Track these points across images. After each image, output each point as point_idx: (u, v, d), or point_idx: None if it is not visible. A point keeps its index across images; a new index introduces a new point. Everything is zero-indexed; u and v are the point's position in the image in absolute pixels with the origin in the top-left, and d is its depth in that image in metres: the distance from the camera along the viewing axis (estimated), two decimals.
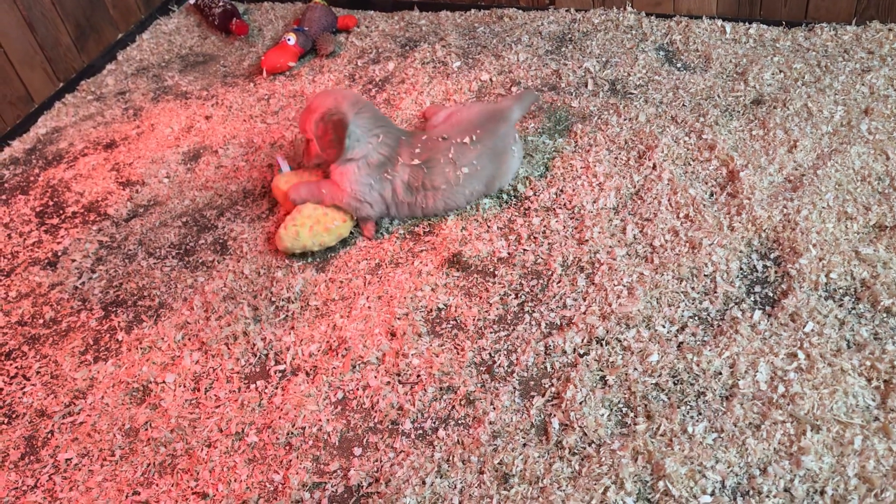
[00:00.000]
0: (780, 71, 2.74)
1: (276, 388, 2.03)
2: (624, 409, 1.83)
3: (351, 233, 2.42)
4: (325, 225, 2.32)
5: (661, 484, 1.66)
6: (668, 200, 2.30)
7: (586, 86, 2.86)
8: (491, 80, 2.96)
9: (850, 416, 1.73)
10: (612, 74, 2.88)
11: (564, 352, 1.97)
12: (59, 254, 2.56)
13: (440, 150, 2.32)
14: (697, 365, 1.88)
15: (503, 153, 2.38)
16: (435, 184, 2.32)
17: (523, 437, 1.81)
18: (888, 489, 1.59)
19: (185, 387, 2.07)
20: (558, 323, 2.05)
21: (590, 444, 1.76)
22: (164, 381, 2.09)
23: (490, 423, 1.85)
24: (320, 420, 1.93)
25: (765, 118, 2.53)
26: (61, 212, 2.73)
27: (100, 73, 3.47)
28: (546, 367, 1.95)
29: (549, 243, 2.26)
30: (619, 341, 1.97)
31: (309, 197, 2.37)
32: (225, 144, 2.91)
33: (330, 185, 2.35)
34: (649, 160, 2.44)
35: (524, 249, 2.26)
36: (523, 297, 2.14)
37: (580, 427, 1.79)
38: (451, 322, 2.11)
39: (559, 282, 2.15)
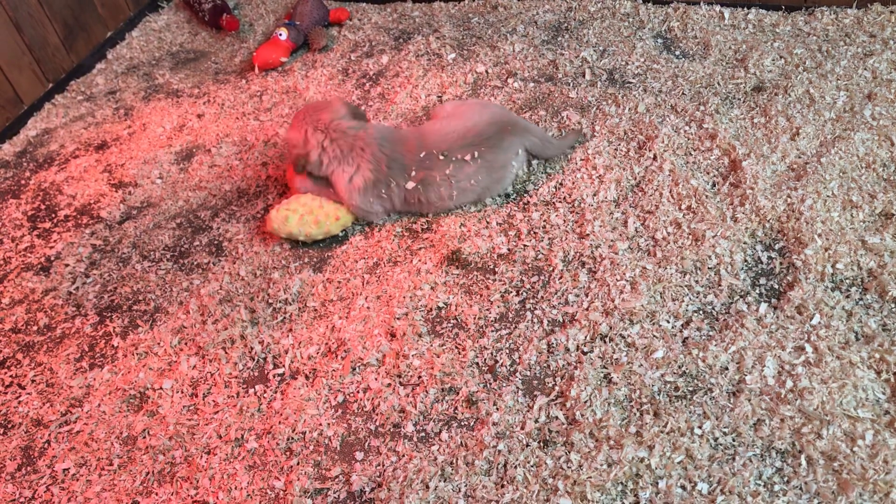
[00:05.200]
0: (781, 57, 2.70)
1: (276, 392, 1.99)
2: (629, 407, 1.80)
3: (345, 231, 2.39)
4: (316, 217, 2.30)
5: (669, 482, 1.63)
6: (670, 192, 2.27)
7: (584, 76, 2.81)
8: (487, 71, 2.92)
9: (859, 411, 1.69)
10: (610, 64, 2.84)
11: (567, 349, 1.94)
12: (52, 258, 2.52)
13: (437, 168, 2.28)
14: (703, 360, 1.85)
15: (503, 167, 2.33)
16: (430, 199, 2.32)
17: (527, 438, 1.78)
18: None
19: (182, 393, 2.04)
20: (561, 320, 2.02)
21: (595, 443, 1.73)
22: (161, 388, 2.05)
23: (493, 423, 1.81)
24: (321, 424, 1.90)
25: (766, 105, 2.49)
26: (53, 215, 2.69)
27: (90, 73, 3.42)
28: (549, 366, 1.92)
29: (549, 238, 2.23)
30: (623, 338, 1.94)
31: (315, 190, 2.37)
32: (218, 143, 2.86)
33: (339, 195, 2.36)
34: (650, 151, 2.40)
35: (524, 245, 2.22)
36: (524, 294, 2.10)
37: (585, 426, 1.76)
38: (452, 321, 2.08)
39: (561, 278, 2.11)
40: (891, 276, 1.94)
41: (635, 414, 1.78)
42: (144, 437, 1.95)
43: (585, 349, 1.93)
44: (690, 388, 1.81)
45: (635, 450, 1.70)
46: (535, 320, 2.03)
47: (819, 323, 1.88)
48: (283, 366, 2.05)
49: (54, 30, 3.28)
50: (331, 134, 2.29)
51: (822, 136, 2.35)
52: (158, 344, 2.17)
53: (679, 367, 1.85)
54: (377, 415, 1.90)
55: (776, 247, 2.09)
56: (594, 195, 2.31)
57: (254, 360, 2.08)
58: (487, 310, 2.08)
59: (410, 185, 2.28)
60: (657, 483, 1.65)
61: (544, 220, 2.28)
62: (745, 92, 2.59)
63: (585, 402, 1.81)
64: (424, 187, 2.29)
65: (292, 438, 1.89)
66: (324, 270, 2.29)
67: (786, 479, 1.62)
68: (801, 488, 1.60)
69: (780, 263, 2.04)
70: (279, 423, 1.92)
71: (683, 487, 1.64)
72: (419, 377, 1.95)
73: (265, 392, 2.00)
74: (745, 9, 2.97)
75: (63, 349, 2.22)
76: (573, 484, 1.67)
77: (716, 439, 1.71)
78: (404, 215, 2.40)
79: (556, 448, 1.75)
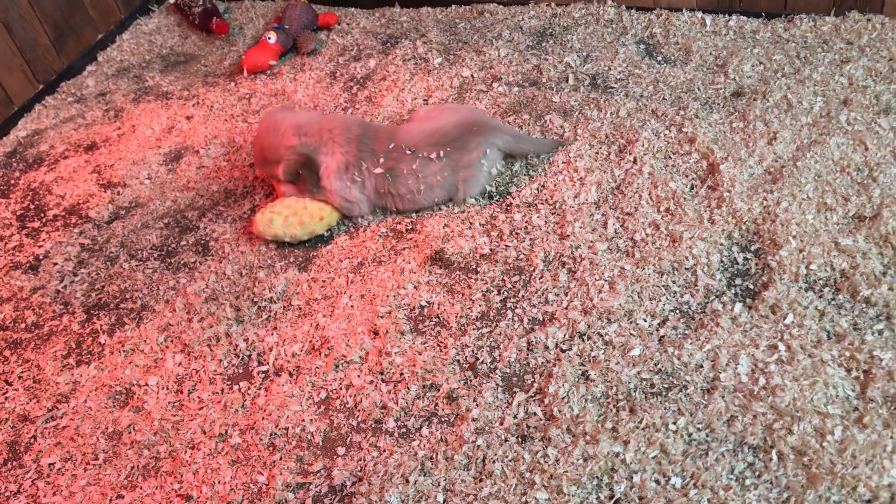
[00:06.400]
0: (760, 63, 2.75)
1: (259, 388, 2.03)
2: (606, 404, 1.83)
3: (330, 231, 2.42)
4: (301, 218, 2.33)
5: (643, 476, 1.67)
6: (649, 194, 2.31)
7: (567, 81, 2.86)
8: (472, 76, 2.96)
9: (829, 407, 1.74)
10: (593, 69, 2.89)
11: (547, 347, 1.98)
12: (41, 257, 2.54)
13: (404, 161, 2.34)
14: (679, 358, 1.89)
15: (469, 166, 2.37)
16: (399, 192, 2.37)
17: (506, 433, 1.81)
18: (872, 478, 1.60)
19: (167, 389, 2.07)
20: (540, 318, 2.05)
21: (572, 438, 1.77)
22: (146, 384, 2.08)
23: (473, 419, 1.85)
24: (303, 420, 1.93)
25: (745, 110, 2.54)
26: (42, 215, 2.72)
27: (80, 75, 3.45)
28: (529, 363, 1.96)
29: (530, 239, 2.27)
30: (601, 336, 1.97)
31: (298, 191, 2.39)
32: (206, 144, 2.89)
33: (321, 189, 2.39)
34: (630, 154, 2.45)
35: (506, 245, 2.26)
36: (505, 293, 2.14)
37: (562, 422, 1.80)
38: (434, 319, 2.11)
39: (541, 277, 2.15)
40: (862, 277, 1.98)
41: (611, 410, 1.82)
42: (130, 433, 1.98)
43: (564, 347, 1.97)
44: (666, 386, 1.85)
45: (611, 445, 1.74)
46: (516, 319, 2.07)
47: (792, 322, 1.92)
48: (268, 363, 2.08)
49: (45, 31, 3.30)
50: (300, 130, 2.35)
51: (798, 140, 2.40)
52: (145, 341, 2.19)
53: (655, 364, 1.89)
54: (359, 411, 1.93)
55: (752, 248, 2.13)
56: (575, 197, 2.35)
57: (238, 357, 2.11)
58: (469, 308, 2.11)
59: (378, 170, 2.33)
60: (632, 477, 1.69)
61: (526, 222, 2.32)
62: (725, 97, 2.64)
63: (563, 398, 1.85)
64: (393, 178, 2.34)
65: (275, 434, 1.92)
66: (309, 270, 2.33)
67: (757, 473, 1.66)
68: (771, 482, 1.64)
69: (756, 264, 2.09)
70: (263, 418, 1.95)
71: (657, 482, 1.68)
72: (401, 374, 1.98)
73: (249, 389, 2.03)
74: (727, 15, 3.02)
75: (50, 346, 2.24)
76: (550, 478, 1.70)
77: (689, 435, 1.75)
78: (388, 215, 2.43)
79: (533, 443, 1.78)
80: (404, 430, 1.88)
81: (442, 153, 2.33)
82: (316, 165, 2.33)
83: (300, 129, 2.36)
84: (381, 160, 2.34)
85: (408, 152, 2.33)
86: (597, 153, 2.48)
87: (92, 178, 2.84)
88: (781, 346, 1.87)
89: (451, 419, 1.88)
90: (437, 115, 2.48)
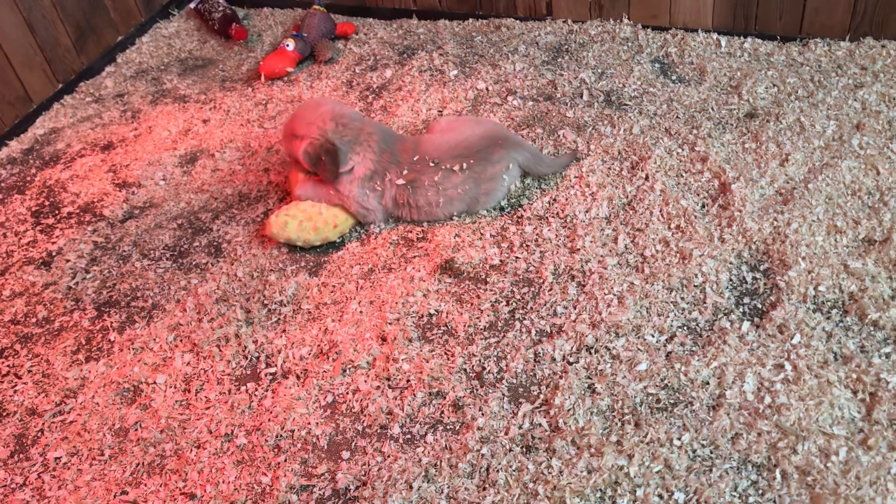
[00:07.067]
0: (774, 85, 2.77)
1: (267, 390, 2.04)
2: (611, 417, 1.84)
3: (342, 238, 2.44)
4: (315, 224, 2.35)
5: (646, 490, 1.67)
6: (660, 211, 2.32)
7: (581, 96, 2.88)
8: (487, 89, 2.99)
9: (834, 428, 1.74)
10: (608, 86, 2.91)
11: (554, 359, 1.99)
12: (54, 254, 2.57)
13: (426, 173, 2.36)
14: (685, 374, 1.89)
15: (491, 179, 2.38)
16: (418, 203, 2.38)
17: (511, 443, 1.82)
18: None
19: (175, 388, 2.08)
20: (548, 330, 2.06)
21: (576, 451, 1.77)
22: (154, 382, 2.10)
23: (478, 428, 1.86)
24: (309, 423, 1.94)
25: (757, 131, 2.55)
26: (57, 212, 2.74)
27: (99, 75, 3.49)
28: (535, 374, 1.96)
29: (541, 251, 2.28)
30: (609, 349, 1.98)
31: (314, 196, 2.40)
32: (222, 148, 2.92)
33: (338, 191, 2.40)
34: (642, 171, 2.46)
35: (516, 257, 2.28)
36: (514, 304, 2.15)
37: (567, 433, 1.80)
38: (442, 328, 2.12)
39: (550, 290, 2.16)
40: (871, 300, 1.99)
41: (617, 424, 1.82)
42: (136, 430, 1.99)
43: (571, 359, 1.98)
44: (672, 401, 1.85)
45: (615, 458, 1.74)
46: (524, 330, 2.08)
47: (799, 342, 1.93)
48: (276, 365, 2.09)
49: (66, 31, 3.35)
50: (340, 120, 2.37)
51: (810, 162, 2.41)
52: (154, 340, 2.21)
53: (661, 380, 1.89)
54: (365, 416, 1.94)
55: (761, 268, 2.14)
56: (586, 212, 2.36)
57: (247, 358, 2.13)
58: (477, 318, 2.13)
59: (400, 181, 2.35)
60: (635, 491, 1.69)
61: (537, 234, 2.33)
62: (738, 118, 2.65)
63: (569, 410, 1.86)
64: (413, 190, 2.35)
65: (281, 436, 1.93)
66: (319, 274, 2.34)
67: (760, 491, 1.66)
68: (774, 501, 1.64)
69: (764, 284, 2.10)
70: (269, 420, 1.96)
71: (660, 496, 1.68)
72: (408, 381, 1.99)
73: (256, 390, 2.04)
74: (742, 37, 3.04)
75: (60, 341, 2.26)
76: (553, 489, 1.71)
77: (694, 451, 1.75)
78: (400, 223, 2.45)
79: (538, 454, 1.79)
80: (409, 436, 1.89)
81: (465, 165, 2.35)
82: (340, 157, 2.34)
83: (340, 119, 2.37)
84: (405, 172, 2.36)
85: (431, 164, 2.35)
86: (609, 169, 2.50)
87: (107, 177, 2.87)
88: (788, 366, 1.87)
89: (457, 427, 1.88)
90: (460, 126, 2.49)
